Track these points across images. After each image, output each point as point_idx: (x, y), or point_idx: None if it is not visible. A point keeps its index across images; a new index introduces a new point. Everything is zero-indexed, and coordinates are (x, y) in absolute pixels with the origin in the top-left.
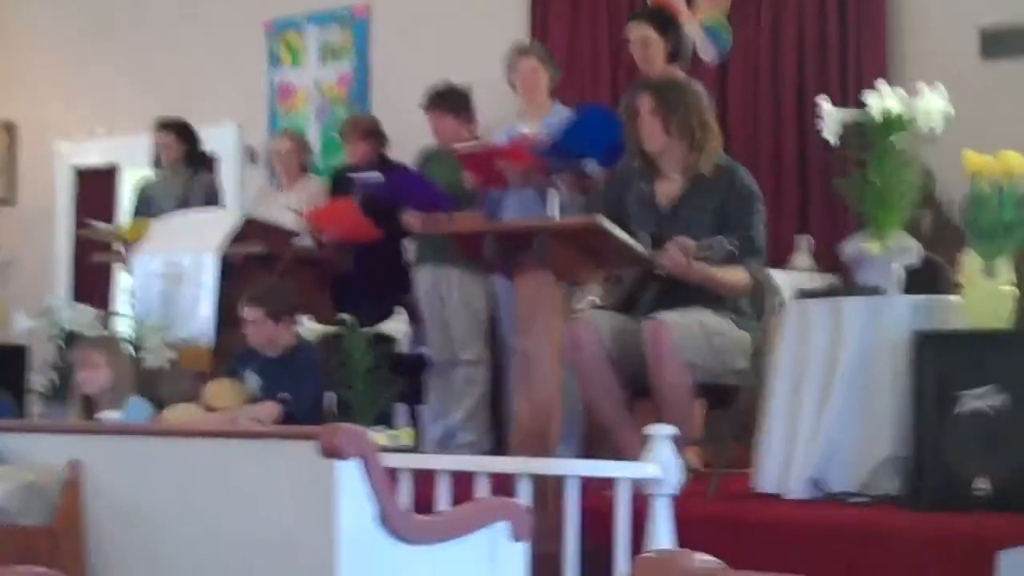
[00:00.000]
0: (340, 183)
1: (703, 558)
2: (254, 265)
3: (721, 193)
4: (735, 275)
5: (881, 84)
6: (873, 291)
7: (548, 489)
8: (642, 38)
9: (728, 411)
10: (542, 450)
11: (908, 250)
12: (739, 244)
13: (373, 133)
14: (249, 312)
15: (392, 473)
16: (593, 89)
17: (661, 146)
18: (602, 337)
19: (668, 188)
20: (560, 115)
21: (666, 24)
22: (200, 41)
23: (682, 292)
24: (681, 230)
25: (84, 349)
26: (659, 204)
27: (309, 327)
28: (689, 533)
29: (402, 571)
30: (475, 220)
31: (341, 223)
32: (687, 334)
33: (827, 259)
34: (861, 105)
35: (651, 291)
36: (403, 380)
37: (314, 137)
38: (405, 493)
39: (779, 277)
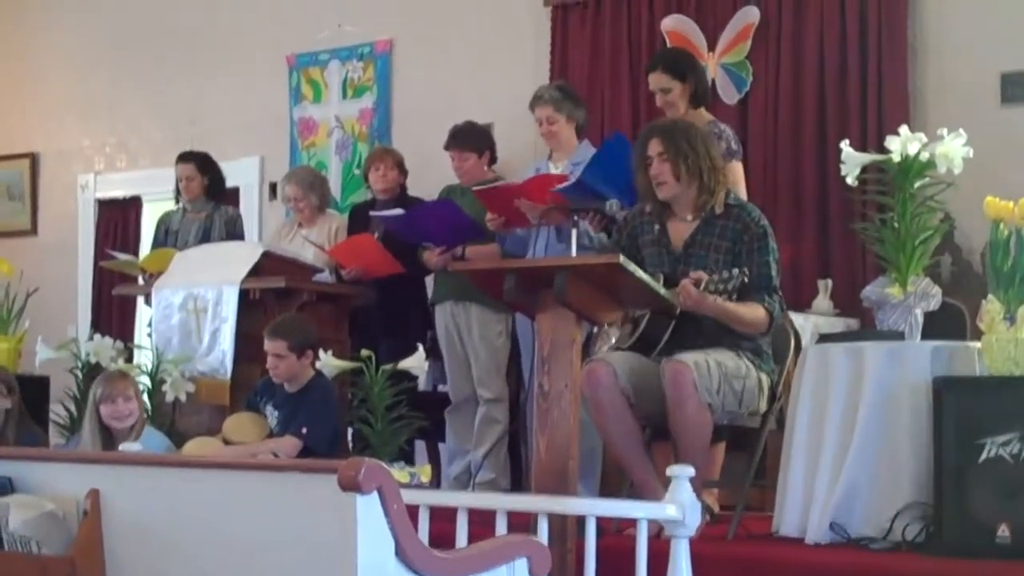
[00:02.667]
0: (361, 218)
1: None
2: (272, 299)
3: (733, 231)
4: (752, 311)
5: (903, 128)
6: (894, 335)
7: (567, 527)
8: (662, 87)
9: (747, 453)
10: (561, 488)
11: (930, 295)
12: (752, 279)
13: (402, 166)
14: (272, 345)
15: (411, 510)
16: (613, 127)
17: (672, 190)
18: (619, 376)
19: (681, 229)
20: (587, 154)
21: (683, 70)
22: (223, 75)
23: (699, 333)
24: (695, 270)
25: (113, 382)
26: (672, 246)
27: (328, 362)
28: (708, 575)
29: None
30: (495, 257)
31: (362, 258)
32: (707, 375)
33: (846, 302)
34: (882, 148)
35: (667, 332)
36: (422, 417)
37: (335, 171)
38: (423, 530)
39: (799, 320)
